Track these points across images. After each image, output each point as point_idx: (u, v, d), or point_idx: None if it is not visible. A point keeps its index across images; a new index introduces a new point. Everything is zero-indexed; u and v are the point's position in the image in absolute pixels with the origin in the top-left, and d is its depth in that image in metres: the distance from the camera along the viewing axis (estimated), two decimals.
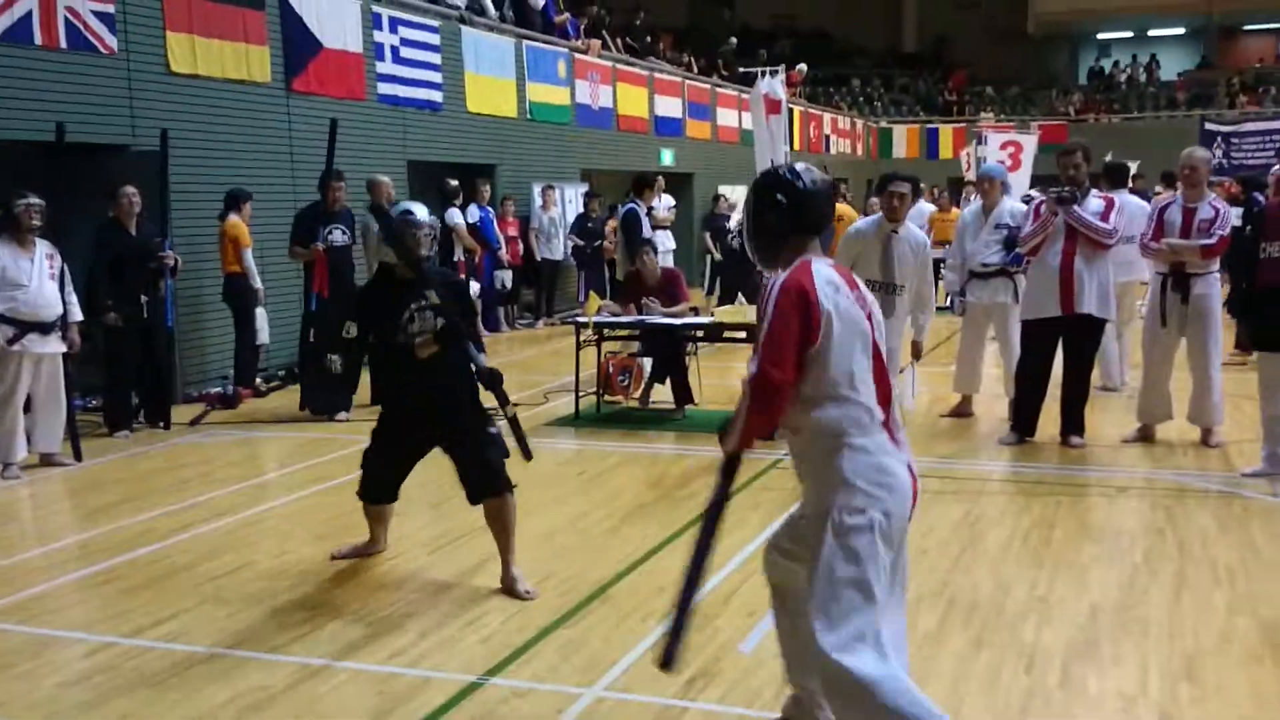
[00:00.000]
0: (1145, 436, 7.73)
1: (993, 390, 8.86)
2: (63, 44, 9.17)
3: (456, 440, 5.14)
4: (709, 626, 4.58)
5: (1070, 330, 7.36)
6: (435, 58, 13.97)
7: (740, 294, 10.56)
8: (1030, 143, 14.92)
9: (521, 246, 15.35)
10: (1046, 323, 7.40)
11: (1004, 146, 14.62)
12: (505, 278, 14.89)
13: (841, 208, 9.67)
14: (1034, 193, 7.90)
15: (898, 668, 3.11)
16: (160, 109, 9.97)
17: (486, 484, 5.07)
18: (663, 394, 9.20)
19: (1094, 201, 7.35)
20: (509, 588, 5.05)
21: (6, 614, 4.93)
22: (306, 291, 9.36)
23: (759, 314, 3.28)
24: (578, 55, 17.74)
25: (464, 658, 4.34)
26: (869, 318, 3.27)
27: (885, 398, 3.25)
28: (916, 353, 7.71)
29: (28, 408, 7.61)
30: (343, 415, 9.11)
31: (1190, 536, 5.68)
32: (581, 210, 16.11)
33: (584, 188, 17.07)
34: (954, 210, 17.03)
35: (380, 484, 5.49)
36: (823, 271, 3.23)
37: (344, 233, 9.28)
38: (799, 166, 3.39)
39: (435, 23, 14.01)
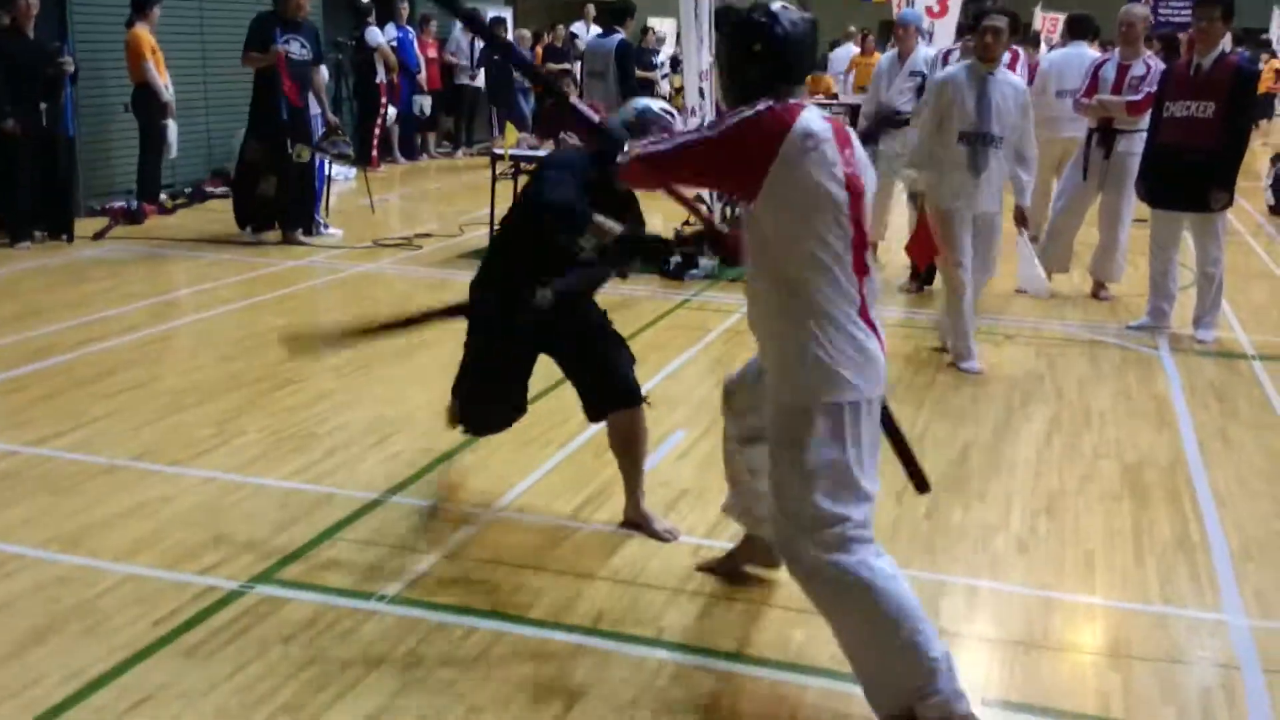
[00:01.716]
0: None
1: (902, 237, 9.02)
2: None
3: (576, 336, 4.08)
4: (605, 455, 4.74)
5: None
6: None
7: None
8: None
9: (440, 70, 14.92)
10: None
11: None
12: (424, 103, 14.54)
13: None
14: (956, 48, 7.90)
15: (890, 565, 2.90)
16: None
17: (616, 394, 4.07)
18: None
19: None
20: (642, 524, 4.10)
21: None
22: (256, 104, 8.82)
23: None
24: None
25: (367, 477, 4.47)
26: (852, 181, 2.86)
27: (860, 269, 2.92)
28: (1022, 219, 6.44)
29: None
30: (270, 236, 8.99)
31: (1068, 383, 5.97)
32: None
33: (507, 11, 16.57)
34: (877, 54, 16.88)
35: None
36: (814, 120, 2.83)
37: (303, 45, 8.70)
38: (775, 6, 2.95)
39: None
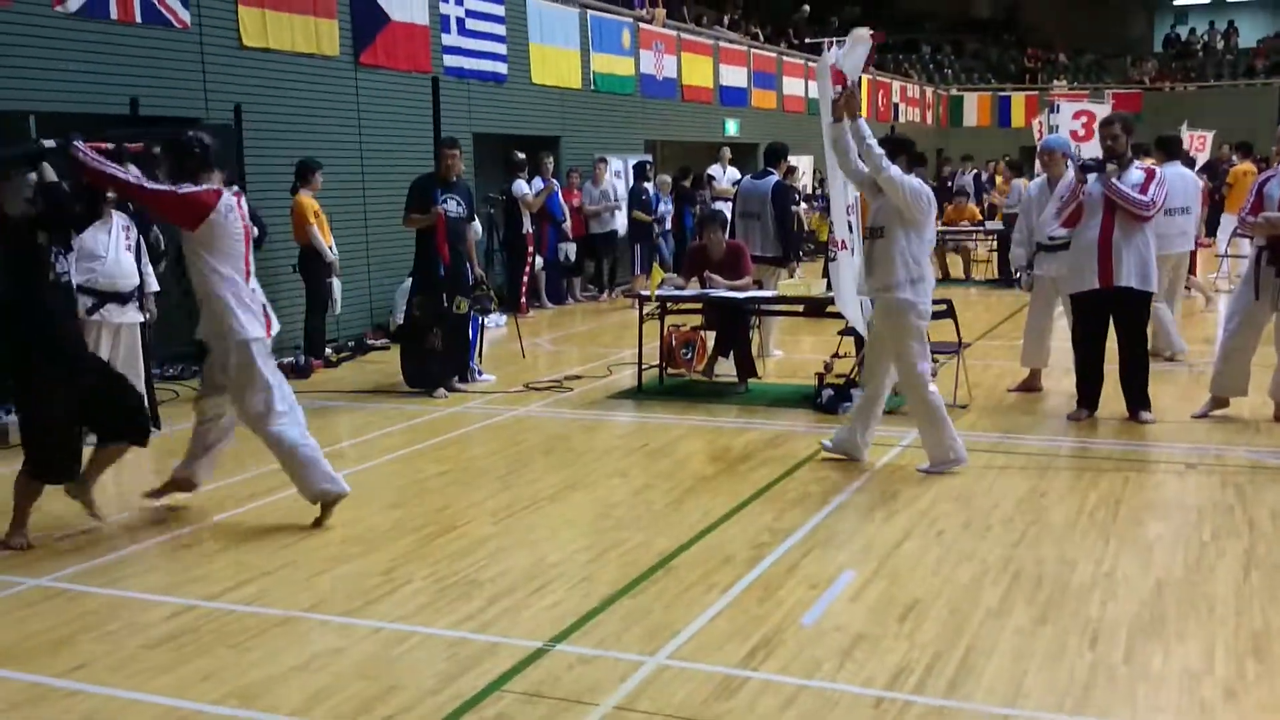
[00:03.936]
0: (1218, 408, 7.61)
1: (1062, 364, 8.76)
2: (138, 18, 9.37)
3: (105, 377, 5.86)
4: (771, 599, 4.63)
5: (1114, 304, 7.30)
6: (500, 29, 14.04)
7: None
8: (1103, 112, 14.61)
9: (584, 219, 15.28)
10: (1090, 296, 7.36)
11: (1077, 116, 14.33)
12: (569, 250, 14.93)
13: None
14: (1090, 160, 7.81)
15: (304, 431, 5.78)
16: (232, 82, 10.16)
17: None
18: (726, 367, 9.22)
19: (1134, 173, 7.29)
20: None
21: (91, 576, 5.12)
22: (419, 261, 9.08)
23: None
24: (642, 25, 17.70)
25: (530, 624, 4.43)
26: (246, 228, 5.73)
27: (248, 273, 5.76)
28: None
29: None
30: (440, 393, 8.99)
31: (1260, 514, 5.60)
32: (633, 183, 15.90)
33: (645, 158, 16.99)
34: (1000, 182, 16.75)
35: (73, 453, 5.64)
36: (226, 198, 5.61)
37: (458, 203, 8.95)
38: (205, 133, 5.81)
39: None
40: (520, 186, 13.74)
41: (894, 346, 6.42)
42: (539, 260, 14.24)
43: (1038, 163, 9.32)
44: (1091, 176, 7.32)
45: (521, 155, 13.95)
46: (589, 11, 16.19)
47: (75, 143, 5.44)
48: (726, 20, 23.57)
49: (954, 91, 33.24)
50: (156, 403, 8.12)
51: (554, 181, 14.22)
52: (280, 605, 4.70)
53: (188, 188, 5.56)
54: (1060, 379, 8.67)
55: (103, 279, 7.60)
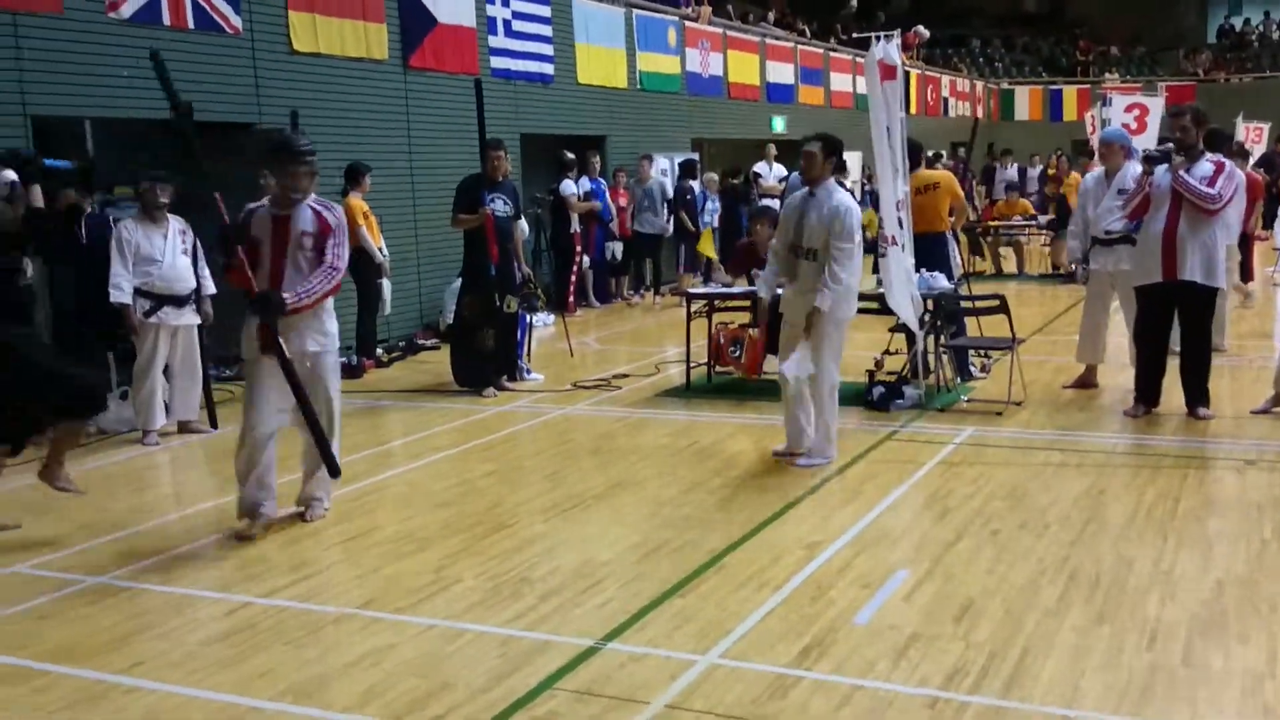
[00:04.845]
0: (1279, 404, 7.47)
1: (1118, 360, 8.63)
2: (190, 24, 9.50)
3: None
4: (824, 598, 4.60)
5: (1178, 298, 7.18)
6: (546, 30, 14.07)
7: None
8: (1156, 105, 14.40)
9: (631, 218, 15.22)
10: (1155, 289, 7.24)
11: (1129, 109, 14.13)
12: (616, 249, 14.91)
13: (938, 174, 9.51)
14: (1155, 151, 7.66)
15: None
16: (284, 87, 10.26)
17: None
18: (775, 365, 9.16)
19: (1204, 165, 7.14)
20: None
21: (148, 575, 5.20)
22: (468, 261, 9.13)
23: (334, 229, 5.79)
24: (688, 23, 17.67)
25: (582, 623, 4.43)
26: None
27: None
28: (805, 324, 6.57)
29: (166, 377, 7.95)
30: (490, 392, 9.02)
31: None
32: (677, 184, 15.75)
33: (691, 156, 16.92)
34: (1073, 175, 16.59)
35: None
36: None
37: (505, 203, 9.00)
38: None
39: None
40: (568, 186, 13.77)
41: (817, 347, 6.57)
42: (586, 260, 14.25)
43: (1095, 155, 9.17)
44: (1160, 168, 7.20)
45: (571, 155, 13.97)
46: (635, 11, 16.17)
47: (286, 301, 5.56)
48: (772, 17, 23.49)
49: (1005, 85, 32.87)
50: (214, 403, 8.24)
51: (599, 204, 14.16)
52: (334, 603, 4.74)
53: (343, 229, 5.83)
54: (1116, 375, 8.55)
55: (159, 282, 7.73)
